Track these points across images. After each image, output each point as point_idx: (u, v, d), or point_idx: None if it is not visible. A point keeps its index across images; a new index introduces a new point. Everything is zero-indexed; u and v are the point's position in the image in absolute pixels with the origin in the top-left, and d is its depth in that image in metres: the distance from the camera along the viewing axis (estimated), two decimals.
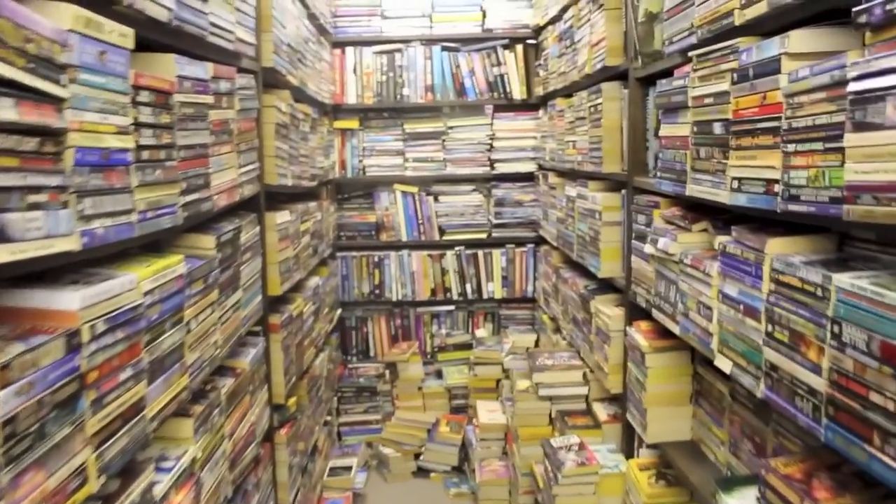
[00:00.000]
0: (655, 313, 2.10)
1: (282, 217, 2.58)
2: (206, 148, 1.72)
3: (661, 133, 2.00)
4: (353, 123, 4.21)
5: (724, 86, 1.55)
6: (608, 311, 2.63)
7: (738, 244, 1.54)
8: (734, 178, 1.52)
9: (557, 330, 3.66)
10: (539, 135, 4.08)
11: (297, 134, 2.84)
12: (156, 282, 1.40)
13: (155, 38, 1.47)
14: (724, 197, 1.57)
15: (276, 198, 2.91)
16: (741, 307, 1.50)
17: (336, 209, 4.25)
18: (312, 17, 3.43)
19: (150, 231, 1.38)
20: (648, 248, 2.06)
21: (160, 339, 1.42)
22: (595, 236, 2.76)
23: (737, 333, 1.53)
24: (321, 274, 3.63)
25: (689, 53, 1.75)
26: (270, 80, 2.55)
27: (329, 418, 3.85)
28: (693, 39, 1.78)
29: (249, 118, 2.15)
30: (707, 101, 1.67)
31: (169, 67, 1.51)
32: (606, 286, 2.84)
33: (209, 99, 1.72)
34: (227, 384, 1.95)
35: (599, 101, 2.67)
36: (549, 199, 3.75)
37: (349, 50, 4.15)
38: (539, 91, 4.00)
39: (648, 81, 2.35)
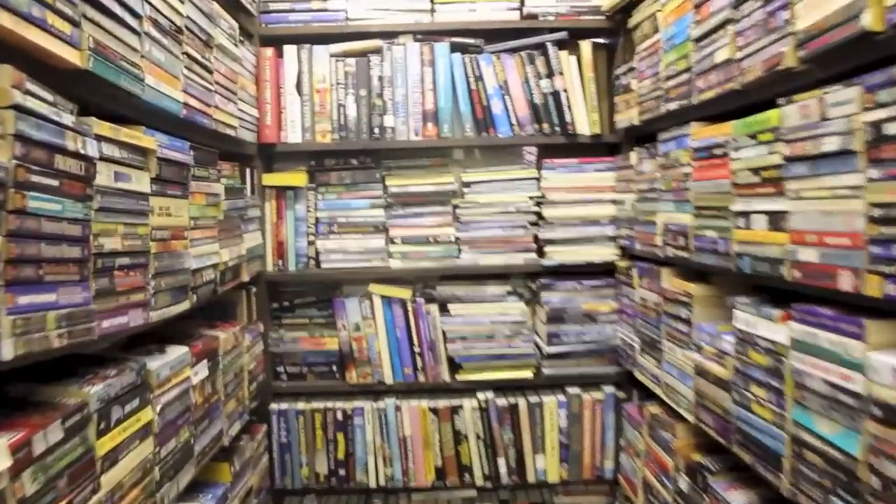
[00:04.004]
0: None
1: None
2: None
3: None
4: (296, 178, 2.41)
5: None
6: None
7: None
8: None
9: None
10: (629, 197, 2.27)
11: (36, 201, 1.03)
12: None
13: None
14: None
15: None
16: None
17: (270, 327, 2.42)
18: None
19: None
20: None
21: None
22: None
23: None
24: (218, 478, 1.79)
25: None
26: None
27: None
28: None
29: None
30: None
31: None
32: None
33: None
34: None
35: None
36: (660, 318, 1.94)
37: (289, 52, 2.37)
38: (629, 118, 2.21)
39: None
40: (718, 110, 1.62)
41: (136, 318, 1.25)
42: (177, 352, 1.47)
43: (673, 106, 1.84)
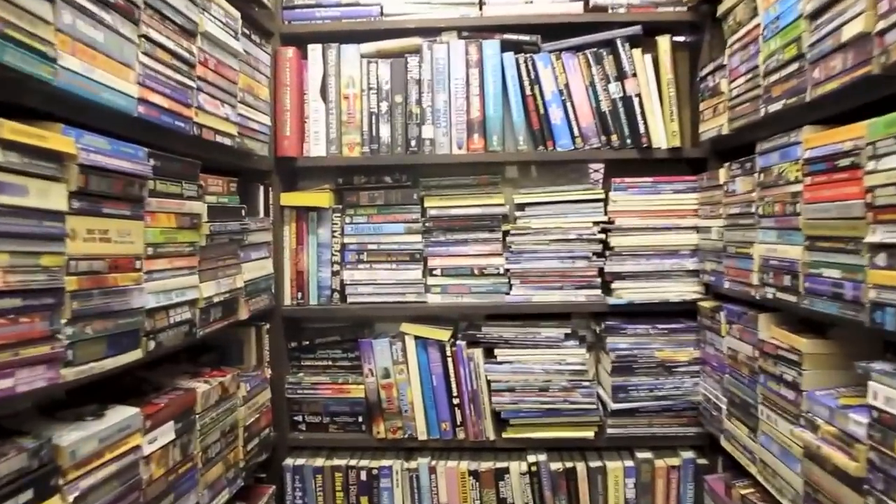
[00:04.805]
0: None
1: None
2: None
3: None
4: (319, 198, 2.09)
5: None
6: None
7: None
8: None
9: None
10: (716, 223, 1.84)
11: None
12: None
13: None
14: None
15: None
16: None
17: (288, 370, 2.10)
18: None
19: None
20: None
21: None
22: None
23: None
24: None
25: None
26: None
27: None
28: None
29: None
30: None
31: None
32: None
33: None
34: None
35: None
36: (755, 377, 1.51)
37: (314, 51, 2.07)
38: (716, 127, 1.80)
39: None
40: (842, 108, 1.21)
41: (33, 378, 0.92)
42: (120, 415, 1.15)
43: (777, 107, 1.42)
